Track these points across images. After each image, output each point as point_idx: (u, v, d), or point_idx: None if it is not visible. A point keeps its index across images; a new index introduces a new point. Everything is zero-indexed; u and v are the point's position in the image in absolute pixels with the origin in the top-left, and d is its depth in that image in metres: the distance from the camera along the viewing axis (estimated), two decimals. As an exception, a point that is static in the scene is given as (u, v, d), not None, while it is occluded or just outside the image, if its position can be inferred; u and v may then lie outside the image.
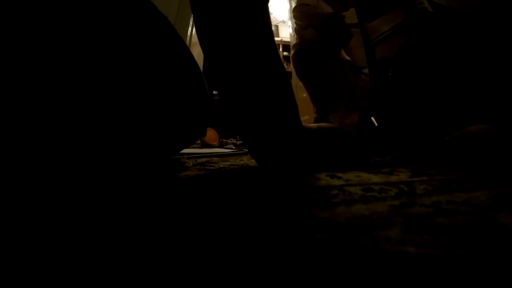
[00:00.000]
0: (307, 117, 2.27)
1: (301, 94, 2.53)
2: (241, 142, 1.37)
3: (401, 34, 0.89)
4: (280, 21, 3.80)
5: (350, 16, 1.28)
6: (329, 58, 1.30)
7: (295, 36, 1.42)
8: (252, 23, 0.40)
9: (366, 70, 1.30)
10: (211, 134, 1.40)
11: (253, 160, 0.59)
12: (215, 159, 0.67)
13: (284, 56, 3.29)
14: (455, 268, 0.12)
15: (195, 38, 2.67)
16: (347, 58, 1.37)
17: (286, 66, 2.45)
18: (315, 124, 0.50)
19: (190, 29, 2.61)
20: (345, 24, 1.20)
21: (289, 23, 3.16)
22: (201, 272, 0.12)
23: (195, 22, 0.44)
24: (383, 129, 0.90)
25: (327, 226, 0.17)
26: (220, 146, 1.37)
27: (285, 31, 3.52)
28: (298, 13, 1.32)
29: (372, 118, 0.96)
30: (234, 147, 1.25)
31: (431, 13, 0.81)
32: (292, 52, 1.43)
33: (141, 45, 0.37)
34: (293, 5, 2.91)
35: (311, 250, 0.14)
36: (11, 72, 0.30)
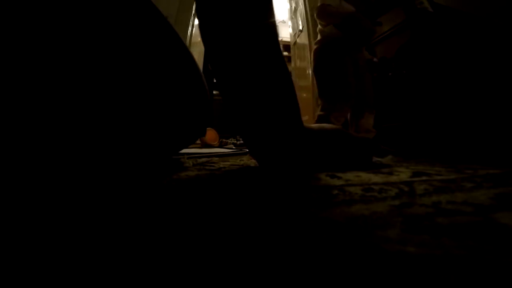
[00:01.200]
0: (307, 117, 2.27)
1: (301, 94, 2.53)
2: (241, 142, 1.37)
3: (401, 34, 0.89)
4: (280, 21, 3.79)
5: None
6: (348, 56, 1.31)
7: (319, 34, 1.44)
8: (255, 22, 0.40)
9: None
10: (211, 134, 1.40)
11: (253, 160, 0.59)
12: (215, 159, 0.67)
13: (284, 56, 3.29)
14: (455, 268, 0.12)
15: (195, 38, 2.67)
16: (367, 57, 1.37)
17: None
18: (316, 125, 0.50)
19: (190, 29, 2.61)
20: (367, 21, 1.19)
21: (289, 23, 3.15)
22: (202, 269, 0.12)
23: (199, 21, 0.44)
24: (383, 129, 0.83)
25: (327, 226, 0.17)
26: (220, 146, 1.37)
27: (285, 31, 3.51)
28: (320, 12, 1.34)
29: None
30: (234, 147, 1.25)
31: (431, 13, 0.81)
32: (314, 47, 1.43)
33: (140, 45, 0.37)
34: (293, 5, 2.91)
35: (311, 250, 0.14)
36: (11, 72, 0.30)
